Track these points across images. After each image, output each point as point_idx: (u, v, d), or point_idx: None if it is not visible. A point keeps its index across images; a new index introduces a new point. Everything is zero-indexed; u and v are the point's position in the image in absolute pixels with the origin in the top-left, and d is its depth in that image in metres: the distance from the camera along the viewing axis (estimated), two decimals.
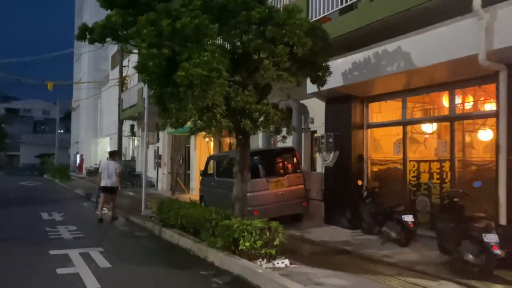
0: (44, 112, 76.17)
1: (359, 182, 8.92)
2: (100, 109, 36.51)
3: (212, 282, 5.65)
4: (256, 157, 9.73)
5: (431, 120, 8.66)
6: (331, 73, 6.92)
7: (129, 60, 26.73)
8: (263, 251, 6.10)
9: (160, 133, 20.61)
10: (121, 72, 24.13)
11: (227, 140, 15.84)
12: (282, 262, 6.08)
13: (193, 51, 5.39)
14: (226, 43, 6.19)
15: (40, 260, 6.86)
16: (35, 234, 9.24)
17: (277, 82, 6.32)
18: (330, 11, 8.55)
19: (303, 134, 11.45)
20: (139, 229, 9.92)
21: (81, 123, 42.37)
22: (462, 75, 7.16)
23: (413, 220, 7.44)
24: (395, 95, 8.82)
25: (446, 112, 8.05)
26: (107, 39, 6.46)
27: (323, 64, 6.82)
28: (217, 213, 7.28)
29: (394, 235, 7.60)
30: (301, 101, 11.33)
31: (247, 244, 6.00)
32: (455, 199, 6.58)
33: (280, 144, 11.27)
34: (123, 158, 24.80)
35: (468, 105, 8.02)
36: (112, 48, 30.39)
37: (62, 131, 52.80)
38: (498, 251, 5.36)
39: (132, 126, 24.50)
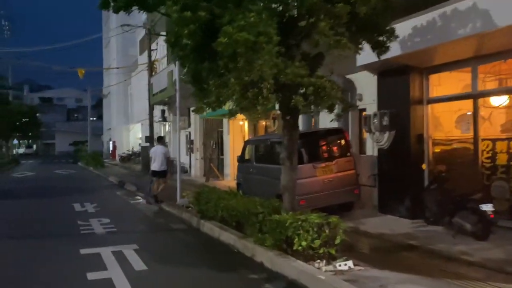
0: (77, 100, 77.53)
1: (423, 166, 7.79)
2: (130, 95, 36.25)
3: None
4: (300, 140, 8.71)
5: (510, 91, 7.38)
6: (397, 37, 5.78)
7: (157, 44, 26.16)
8: (321, 251, 5.18)
9: (192, 118, 19.93)
10: (149, 56, 23.52)
11: (262, 123, 14.88)
12: (345, 264, 5.14)
13: (235, 12, 4.41)
14: (272, 4, 5.15)
15: (69, 260, 6.19)
16: (67, 228, 8.66)
17: (333, 49, 5.26)
18: None
19: (349, 113, 10.33)
20: (175, 221, 9.20)
21: (112, 109, 42.43)
22: None
23: (493, 209, 6.33)
24: (463, 63, 7.57)
25: None
26: (133, 7, 5.56)
27: (387, 28, 5.68)
28: (262, 205, 6.39)
29: (469, 227, 6.52)
30: (347, 76, 10.20)
31: (304, 243, 5.09)
32: None
33: (321, 125, 10.34)
34: (154, 144, 24.37)
35: None
36: (140, 32, 29.80)
37: (94, 118, 53.45)
38: None
39: (163, 111, 23.92)
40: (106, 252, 6.37)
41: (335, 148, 9.08)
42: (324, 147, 8.97)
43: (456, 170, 7.63)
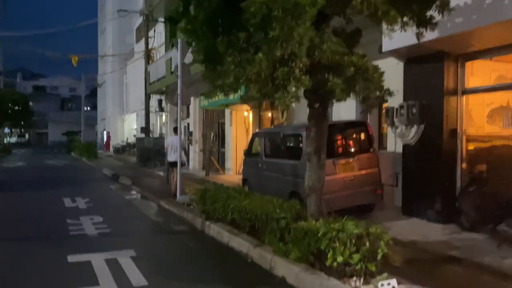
0: (71, 89, 76.04)
1: (464, 166, 6.89)
2: (126, 85, 35.11)
3: None
4: None
5: None
6: (450, 10, 4.82)
7: (154, 31, 25.04)
8: (358, 266, 4.27)
9: (191, 108, 18.92)
10: (146, 42, 22.49)
11: (267, 114, 13.93)
12: (388, 284, 4.22)
13: None
14: None
15: (53, 272, 5.21)
16: (54, 228, 7.70)
17: (375, 24, 4.32)
18: None
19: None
20: (176, 221, 8.25)
21: (107, 99, 41.28)
22: None
23: None
24: (508, 49, 6.65)
25: None
26: None
27: None
28: (282, 207, 5.47)
29: None
30: None
31: (340, 259, 4.17)
32: None
33: (334, 118, 9.38)
34: (150, 135, 23.38)
35: None
36: (136, 20, 28.69)
37: (88, 108, 52.20)
38: None
39: (160, 101, 22.86)
40: (98, 260, 5.42)
41: (356, 143, 8.16)
42: (344, 142, 8.03)
43: (498, 170, 6.74)
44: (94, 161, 25.52)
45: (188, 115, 19.33)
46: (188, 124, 19.59)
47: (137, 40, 30.20)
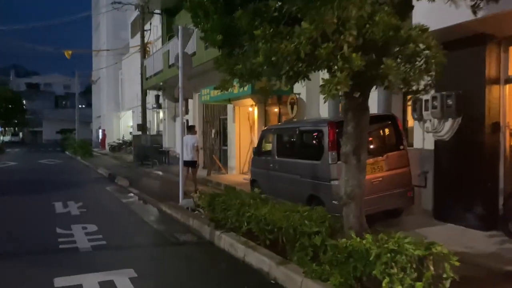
0: (65, 86, 74.67)
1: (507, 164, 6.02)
2: (121, 81, 34.06)
3: None
4: (339, 130, 6.89)
5: None
6: None
7: (150, 24, 24.01)
8: None
9: (190, 103, 17.95)
10: (142, 34, 21.47)
11: (273, 109, 13.01)
12: None
13: None
14: None
15: None
16: (41, 240, 6.73)
17: None
18: None
19: (392, 95, 8.52)
20: (181, 229, 7.30)
21: (102, 96, 40.20)
22: None
23: None
24: None
25: None
26: None
27: None
28: (310, 218, 4.57)
29: None
30: None
31: None
32: None
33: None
34: (148, 133, 22.41)
35: None
36: (131, 15, 27.63)
37: (83, 105, 51.11)
38: None
39: (157, 97, 21.87)
40: (90, 283, 4.51)
41: (384, 140, 7.27)
42: (372, 138, 7.11)
43: None
44: (89, 160, 24.52)
45: (187, 111, 18.36)
46: (187, 120, 18.63)
47: (132, 35, 29.19)
